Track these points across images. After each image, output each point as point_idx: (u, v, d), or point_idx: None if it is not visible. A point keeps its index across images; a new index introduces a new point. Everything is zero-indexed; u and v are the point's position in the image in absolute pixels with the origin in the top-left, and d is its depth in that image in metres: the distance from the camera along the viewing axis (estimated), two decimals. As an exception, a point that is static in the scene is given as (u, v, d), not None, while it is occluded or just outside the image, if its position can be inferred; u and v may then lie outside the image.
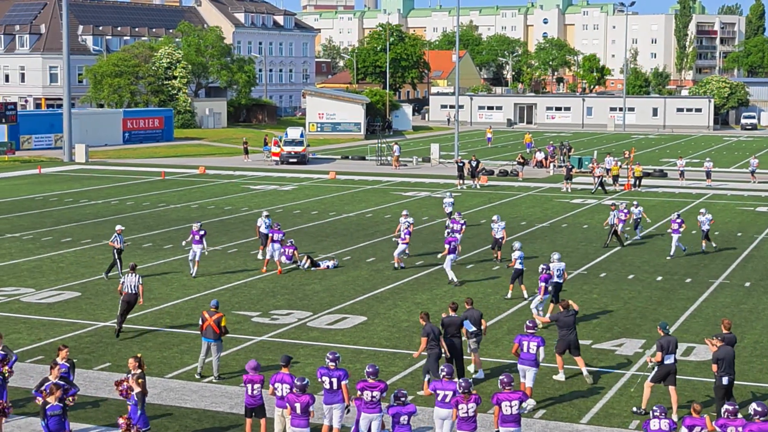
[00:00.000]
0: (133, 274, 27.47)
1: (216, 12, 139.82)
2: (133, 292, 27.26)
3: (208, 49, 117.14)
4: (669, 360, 21.39)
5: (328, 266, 36.87)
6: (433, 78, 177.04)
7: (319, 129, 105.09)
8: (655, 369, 21.60)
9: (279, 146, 77.54)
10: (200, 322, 23.41)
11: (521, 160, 70.19)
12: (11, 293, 32.36)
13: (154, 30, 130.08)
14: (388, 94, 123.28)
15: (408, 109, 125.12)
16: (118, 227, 35.29)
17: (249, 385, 19.42)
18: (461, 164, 63.44)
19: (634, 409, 21.73)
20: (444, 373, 18.83)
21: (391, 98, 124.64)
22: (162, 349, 25.98)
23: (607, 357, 25.70)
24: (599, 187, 60.29)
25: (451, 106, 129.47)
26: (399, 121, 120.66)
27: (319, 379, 19.16)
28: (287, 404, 18.42)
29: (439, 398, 18.72)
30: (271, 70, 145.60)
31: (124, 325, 27.77)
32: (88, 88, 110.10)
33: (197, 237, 34.57)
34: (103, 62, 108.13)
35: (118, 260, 34.50)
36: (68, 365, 20.13)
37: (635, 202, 45.54)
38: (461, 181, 62.25)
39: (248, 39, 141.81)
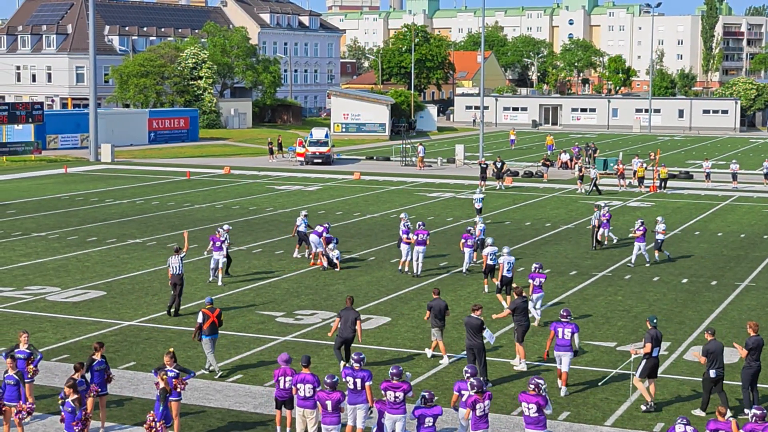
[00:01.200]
0: (176, 256, 29.35)
1: (241, 12, 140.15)
2: (177, 273, 29.11)
3: (234, 49, 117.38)
4: (656, 353, 21.87)
5: (336, 257, 36.66)
6: (458, 79, 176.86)
7: (343, 129, 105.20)
8: (643, 363, 21.84)
9: (304, 146, 77.69)
10: (201, 320, 23.46)
11: (547, 162, 69.95)
12: (37, 292, 32.53)
13: (179, 30, 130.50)
14: (413, 94, 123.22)
15: (433, 109, 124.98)
16: (226, 226, 35.61)
17: (282, 378, 19.50)
18: (484, 166, 63.23)
19: (643, 407, 21.75)
20: (468, 375, 18.85)
21: (416, 99, 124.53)
22: (186, 349, 26.04)
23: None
24: (594, 188, 60.05)
25: (476, 107, 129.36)
26: (424, 121, 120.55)
27: (344, 380, 19.26)
28: (318, 402, 18.49)
29: (464, 399, 18.73)
30: (296, 71, 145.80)
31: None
32: (114, 88, 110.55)
33: (218, 244, 33.95)
34: (129, 62, 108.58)
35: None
36: (104, 361, 20.37)
37: (602, 203, 45.18)
38: (483, 183, 61.96)
39: (273, 39, 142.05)
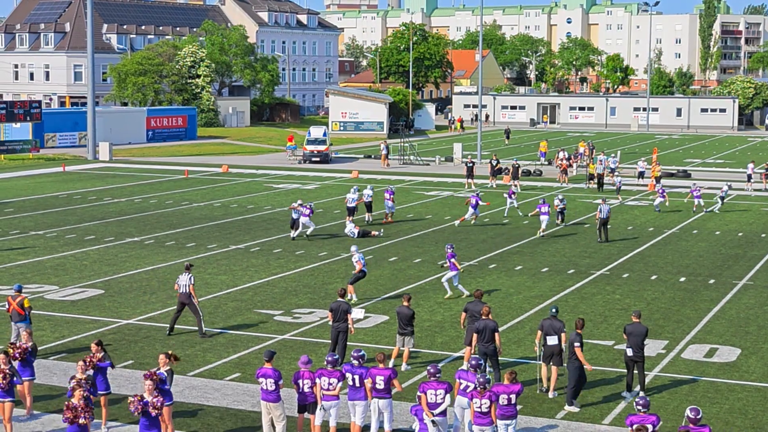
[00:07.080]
0: (186, 273, 27.13)
1: (240, 11, 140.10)
2: (185, 292, 26.89)
3: (232, 47, 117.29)
4: (552, 341, 22.53)
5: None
6: (456, 77, 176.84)
7: (342, 128, 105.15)
8: (542, 349, 22.71)
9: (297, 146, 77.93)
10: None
11: (561, 164, 68.31)
12: (35, 290, 32.49)
13: (178, 29, 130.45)
14: (411, 93, 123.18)
15: (431, 108, 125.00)
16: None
17: (300, 381, 19.32)
18: (471, 164, 62.45)
19: (538, 390, 22.56)
20: (471, 365, 19.20)
21: (414, 97, 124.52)
22: (184, 347, 26.04)
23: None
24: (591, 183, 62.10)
25: (474, 106, 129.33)
26: (422, 120, 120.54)
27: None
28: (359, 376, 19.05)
29: (461, 387, 19.13)
30: (294, 69, 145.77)
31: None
32: (112, 86, 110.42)
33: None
34: (127, 61, 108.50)
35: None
36: (109, 361, 20.33)
37: (560, 195, 46.95)
38: (470, 181, 61.57)
39: (272, 38, 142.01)
